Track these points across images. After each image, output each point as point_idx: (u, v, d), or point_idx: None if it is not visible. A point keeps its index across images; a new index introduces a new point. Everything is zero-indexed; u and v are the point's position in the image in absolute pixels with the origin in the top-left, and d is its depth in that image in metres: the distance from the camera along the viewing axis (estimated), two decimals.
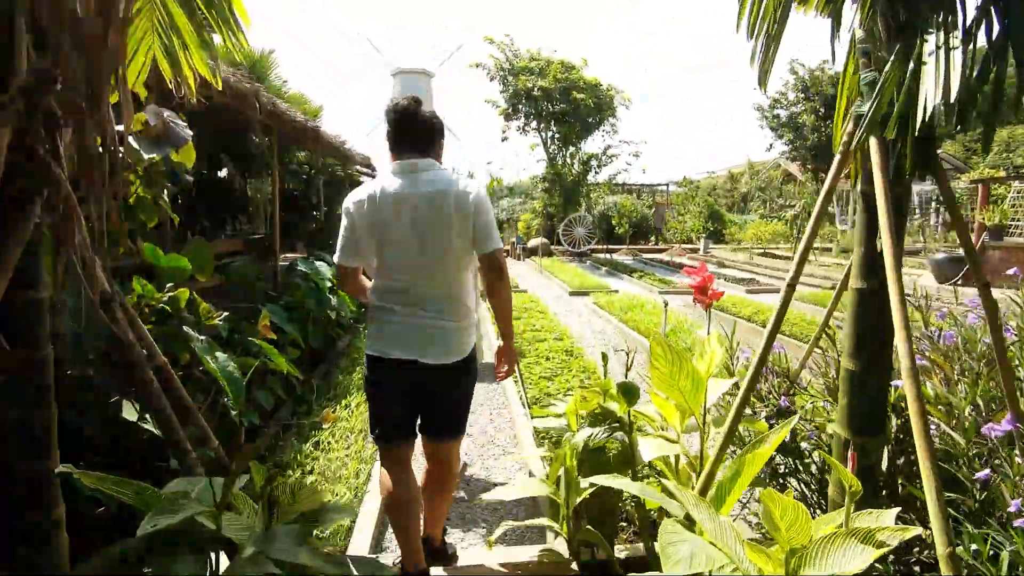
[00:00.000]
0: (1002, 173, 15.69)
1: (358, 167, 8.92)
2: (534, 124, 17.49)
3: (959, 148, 37.85)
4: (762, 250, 17.95)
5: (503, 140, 17.54)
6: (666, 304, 5.49)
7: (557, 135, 17.38)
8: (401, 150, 1.99)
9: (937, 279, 11.38)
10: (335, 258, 2.05)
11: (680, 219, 20.60)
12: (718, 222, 21.48)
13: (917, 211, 23.19)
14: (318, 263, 5.69)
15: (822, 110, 21.05)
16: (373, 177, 6.71)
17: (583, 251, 17.95)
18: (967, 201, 20.78)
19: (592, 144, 17.48)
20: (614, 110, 17.06)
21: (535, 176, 17.92)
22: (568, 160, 17.82)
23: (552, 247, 18.38)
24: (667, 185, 27.63)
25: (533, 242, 18.14)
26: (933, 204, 21.70)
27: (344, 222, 1.97)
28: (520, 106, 16.94)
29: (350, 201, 1.97)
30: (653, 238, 21.77)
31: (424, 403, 2.06)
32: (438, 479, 2.17)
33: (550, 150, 17.76)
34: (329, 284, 5.53)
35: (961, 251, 11.09)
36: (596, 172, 17.54)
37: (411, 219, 1.89)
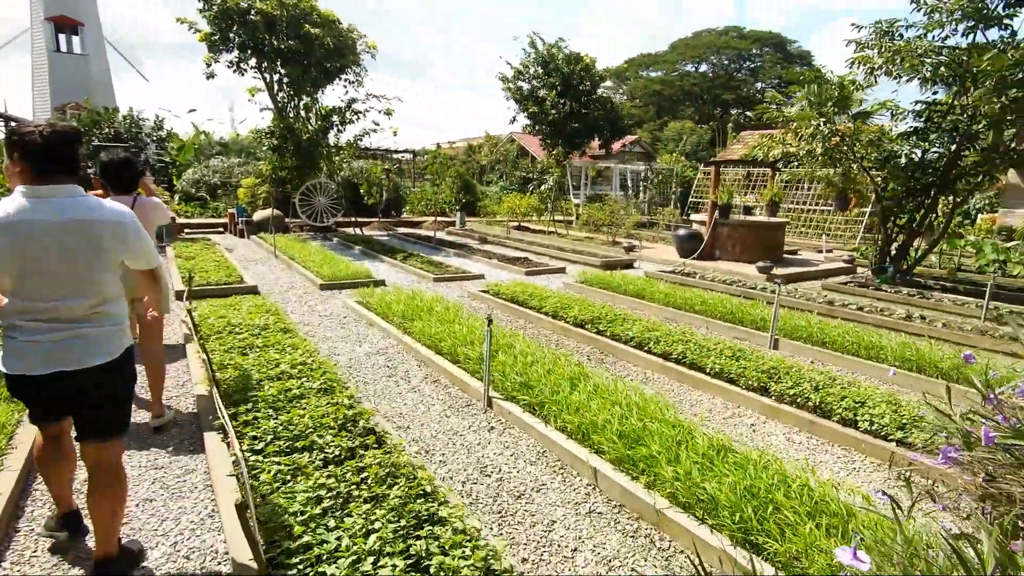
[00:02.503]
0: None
1: None
2: (253, 62, 13.48)
3: (647, 135, 44.83)
4: (517, 223, 17.66)
5: (208, 77, 13.10)
6: (490, 320, 3.65)
7: (287, 79, 13.75)
8: (44, 173, 2.01)
9: (680, 253, 12.27)
10: None
11: (434, 189, 19.02)
12: (470, 194, 20.64)
13: (628, 188, 26.34)
14: None
15: (559, 87, 21.74)
16: None
17: (327, 225, 14.95)
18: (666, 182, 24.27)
19: (333, 96, 14.33)
20: (358, 56, 14.23)
21: (258, 130, 14.00)
22: (303, 113, 14.36)
23: (287, 221, 14.85)
24: (412, 153, 25.81)
25: (261, 214, 14.32)
26: (643, 183, 24.62)
27: None
28: (232, 34, 12.76)
29: None
30: (407, 210, 19.79)
31: (76, 408, 2.16)
32: (104, 486, 2.19)
33: (278, 98, 14.00)
34: None
35: (697, 227, 11.99)
36: (339, 131, 14.53)
37: (59, 246, 1.97)
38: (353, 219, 15.25)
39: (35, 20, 31.76)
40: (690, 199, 23.29)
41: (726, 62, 51.31)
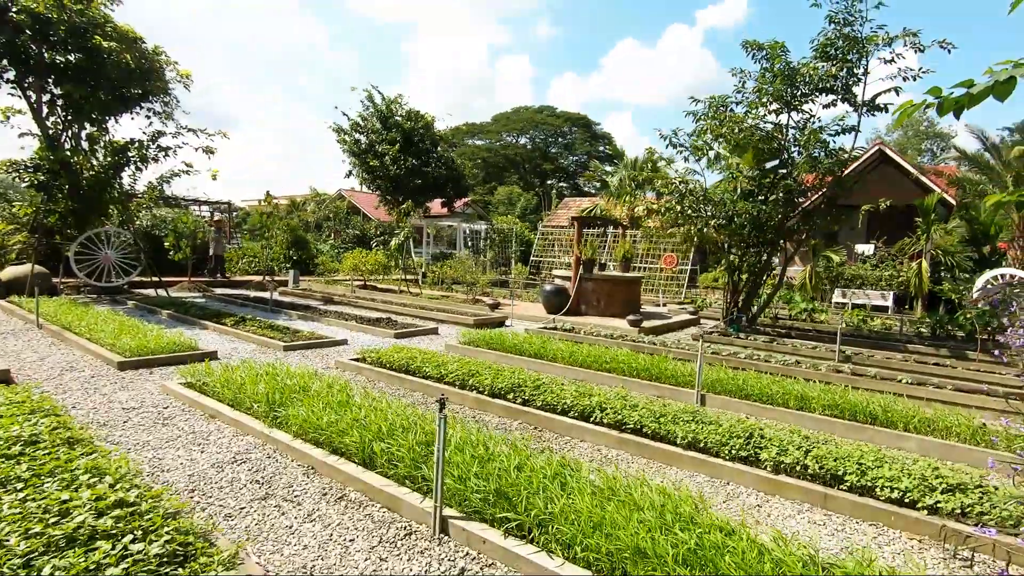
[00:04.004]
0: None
1: None
2: (12, 74, 10.30)
3: (478, 198, 46.31)
4: (362, 282, 16.00)
5: None
6: (443, 404, 2.54)
7: (63, 101, 10.74)
8: None
9: (547, 309, 11.94)
10: None
11: (263, 244, 16.47)
12: (303, 251, 18.40)
13: (471, 247, 26.28)
14: None
15: (400, 142, 21.06)
16: None
17: (115, 286, 11.73)
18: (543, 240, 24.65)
19: (132, 128, 11.59)
20: (166, 84, 11.82)
21: (14, 162, 10.58)
22: (86, 145, 11.29)
23: (57, 280, 11.32)
24: (226, 204, 22.64)
25: (13, 271, 10.68)
26: (483, 242, 24.67)
27: None
28: None
29: None
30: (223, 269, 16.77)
31: None
32: None
33: (49, 123, 10.82)
34: None
35: (562, 283, 11.84)
36: (139, 169, 11.69)
37: None
38: (154, 278, 12.24)
39: None
40: (531, 258, 23.91)
41: (542, 136, 56.11)
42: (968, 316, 9.90)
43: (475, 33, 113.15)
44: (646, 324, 10.12)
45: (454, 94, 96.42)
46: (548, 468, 2.94)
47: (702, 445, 3.79)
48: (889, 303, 16.09)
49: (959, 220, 17.74)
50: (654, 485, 2.80)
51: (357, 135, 21.28)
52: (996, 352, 8.00)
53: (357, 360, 6.30)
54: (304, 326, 8.90)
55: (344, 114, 21.11)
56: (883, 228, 17.92)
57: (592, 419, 4.34)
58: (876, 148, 17.89)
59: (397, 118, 21.44)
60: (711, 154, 10.81)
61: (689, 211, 9.94)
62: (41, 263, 11.14)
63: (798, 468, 3.43)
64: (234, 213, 22.74)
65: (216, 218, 16.60)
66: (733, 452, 3.66)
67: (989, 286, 12.91)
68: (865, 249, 19.10)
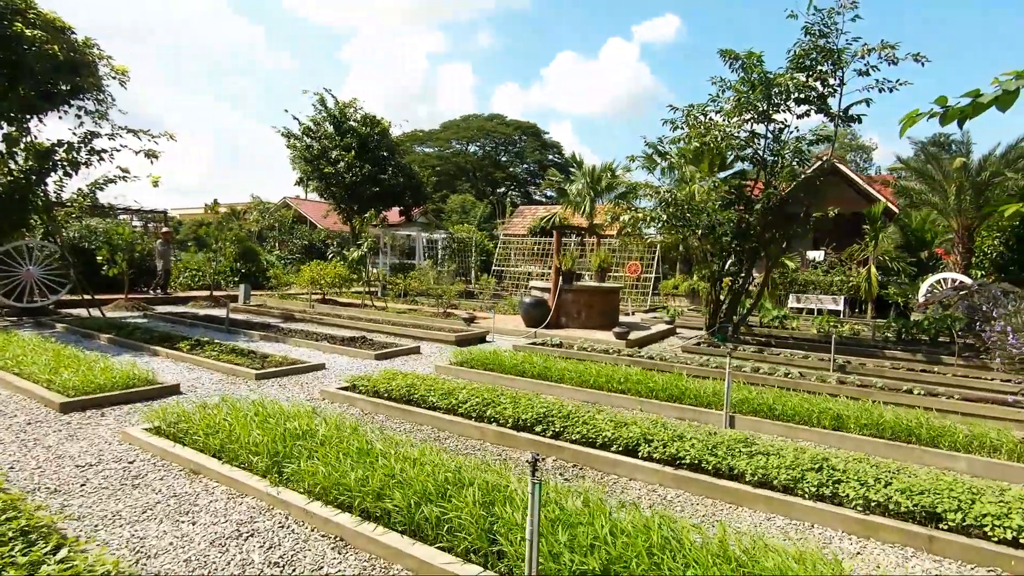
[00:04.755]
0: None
1: None
2: None
3: (432, 206, 45.52)
4: (321, 296, 15.00)
5: None
6: (535, 464, 2.04)
7: None
8: None
9: (527, 322, 11.47)
10: None
11: (210, 256, 15.15)
12: (252, 263, 17.12)
13: (434, 257, 25.50)
14: None
15: (355, 148, 20.11)
16: None
17: (39, 306, 10.34)
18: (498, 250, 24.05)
19: (60, 128, 10.26)
20: (99, 80, 10.57)
21: None
22: (3, 147, 9.87)
23: None
24: (163, 212, 20.92)
25: None
26: (442, 251, 23.98)
27: None
28: None
29: None
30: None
31: None
32: None
33: None
34: None
35: (540, 294, 11.43)
36: (66, 175, 10.33)
37: None
38: (86, 296, 10.89)
39: None
40: (493, 267, 23.41)
41: (492, 145, 55.88)
42: (931, 320, 10.19)
43: (414, 40, 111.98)
44: (633, 336, 9.84)
45: (397, 102, 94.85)
46: (643, 529, 2.46)
47: (774, 482, 3.42)
48: (840, 307, 16.67)
49: (894, 227, 18.73)
50: (775, 545, 2.38)
51: (309, 140, 20.14)
52: (980, 357, 8.22)
53: (346, 389, 5.61)
54: (270, 348, 8.04)
55: (295, 118, 19.94)
56: (831, 236, 18.59)
57: (639, 454, 3.90)
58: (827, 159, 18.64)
59: (352, 123, 20.47)
60: (679, 161, 10.75)
61: (674, 220, 9.77)
62: None
63: (890, 506, 3.11)
64: (167, 223, 21.04)
65: (164, 229, 15.14)
66: (811, 489, 3.31)
67: (936, 290, 13.56)
68: (816, 255, 19.81)
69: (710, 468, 3.64)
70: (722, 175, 11.17)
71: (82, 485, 3.36)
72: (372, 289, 17.01)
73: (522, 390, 5.69)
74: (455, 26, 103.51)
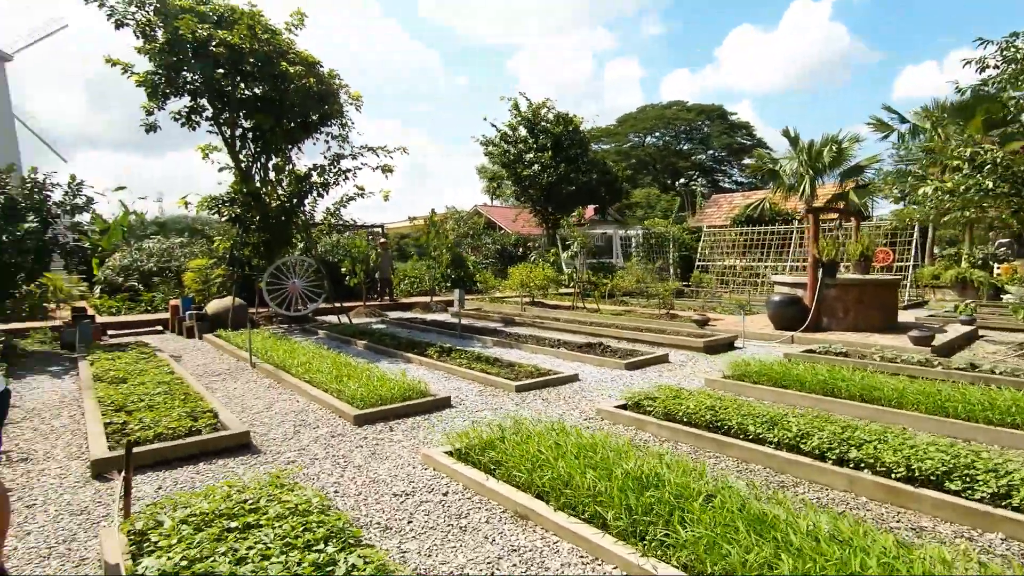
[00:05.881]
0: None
1: None
2: (208, 112, 10.55)
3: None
4: (530, 299, 14.92)
5: (148, 129, 10.01)
6: None
7: (251, 133, 10.84)
8: None
9: (776, 324, 9.86)
10: None
11: (428, 264, 16.11)
12: (462, 268, 17.85)
13: (625, 252, 24.41)
14: None
15: (550, 148, 19.94)
16: None
17: (302, 314, 11.64)
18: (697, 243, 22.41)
19: (310, 154, 11.44)
20: (341, 107, 11.63)
21: (214, 198, 10.85)
22: (273, 175, 11.36)
23: (252, 312, 11.44)
24: (380, 226, 23.04)
25: (217, 305, 10.88)
26: (638, 248, 22.62)
27: None
28: (183, 75, 9.88)
29: None
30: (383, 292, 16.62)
31: None
32: None
33: (242, 157, 11.00)
34: None
35: (790, 291, 9.64)
36: (320, 195, 11.59)
37: None
38: (336, 304, 12.03)
39: None
40: (696, 262, 21.54)
41: (672, 134, 52.77)
42: None
43: (580, 41, 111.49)
44: (935, 341, 7.66)
45: (564, 104, 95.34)
46: None
47: None
48: None
49: None
50: None
51: (506, 145, 20.52)
52: None
53: (625, 408, 4.85)
54: (510, 355, 7.75)
55: (492, 124, 20.48)
56: None
57: None
58: None
59: (544, 123, 20.37)
60: (933, 119, 8.12)
61: (998, 188, 7.36)
62: (241, 294, 11.31)
63: None
64: (384, 235, 23.15)
65: (381, 240, 16.52)
66: None
67: None
68: None
69: None
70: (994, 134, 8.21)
71: (408, 522, 3.01)
72: (575, 290, 16.55)
73: (838, 415, 4.37)
74: (621, 21, 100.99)
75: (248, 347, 7.35)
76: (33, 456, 4.16)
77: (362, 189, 12.19)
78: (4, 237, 8.11)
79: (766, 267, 19.18)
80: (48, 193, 8.88)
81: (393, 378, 5.59)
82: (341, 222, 12.57)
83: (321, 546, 2.22)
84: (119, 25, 9.75)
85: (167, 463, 3.89)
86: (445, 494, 3.34)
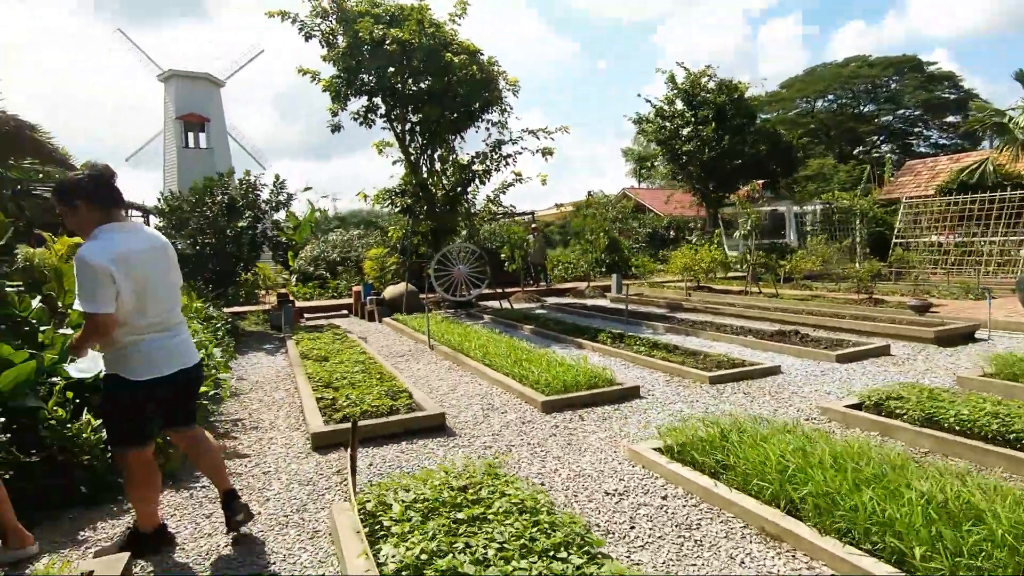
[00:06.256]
0: None
1: None
2: (381, 110, 11.26)
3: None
4: (696, 283, 13.88)
5: (333, 130, 10.99)
6: None
7: (419, 127, 11.35)
8: (117, 208, 2.45)
9: None
10: (96, 309, 2.25)
11: (584, 247, 15.83)
12: (617, 253, 17.24)
13: (800, 230, 21.79)
14: None
15: (712, 120, 18.34)
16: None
17: (467, 299, 12.00)
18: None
19: (471, 142, 11.67)
20: (500, 93, 11.71)
21: (387, 190, 11.59)
22: (439, 165, 11.84)
23: (422, 297, 12.08)
24: (531, 213, 23.17)
25: (392, 291, 11.65)
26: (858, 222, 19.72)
27: (98, 276, 2.23)
28: (360, 76, 10.64)
29: (102, 258, 2.25)
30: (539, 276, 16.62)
31: (177, 402, 2.63)
32: (205, 451, 2.73)
33: (411, 149, 11.61)
34: None
35: None
36: (480, 183, 11.83)
37: (158, 268, 2.49)
38: (498, 290, 12.23)
39: (168, 121, 33.81)
40: (894, 240, 18.46)
41: (849, 95, 46.13)
42: None
43: (728, 4, 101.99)
44: None
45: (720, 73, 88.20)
46: None
47: None
48: None
49: None
50: None
51: (662, 121, 19.34)
52: None
53: (859, 408, 4.03)
54: (688, 343, 7.09)
55: (647, 100, 19.43)
56: None
57: None
58: None
59: (705, 94, 18.80)
60: None
61: None
62: (412, 281, 11.99)
63: None
64: (535, 222, 23.28)
65: (533, 226, 16.56)
66: None
67: None
68: None
69: None
70: None
71: (631, 527, 2.67)
72: (746, 273, 15.07)
73: None
74: None
75: (427, 330, 7.63)
76: (261, 425, 4.59)
77: (519, 175, 12.20)
78: (228, 232, 9.40)
79: (990, 243, 15.86)
80: (258, 193, 10.13)
81: (573, 364, 5.32)
82: (502, 208, 12.69)
83: (562, 554, 1.95)
84: (308, 37, 10.74)
85: (373, 439, 4.01)
86: (664, 498, 2.94)
